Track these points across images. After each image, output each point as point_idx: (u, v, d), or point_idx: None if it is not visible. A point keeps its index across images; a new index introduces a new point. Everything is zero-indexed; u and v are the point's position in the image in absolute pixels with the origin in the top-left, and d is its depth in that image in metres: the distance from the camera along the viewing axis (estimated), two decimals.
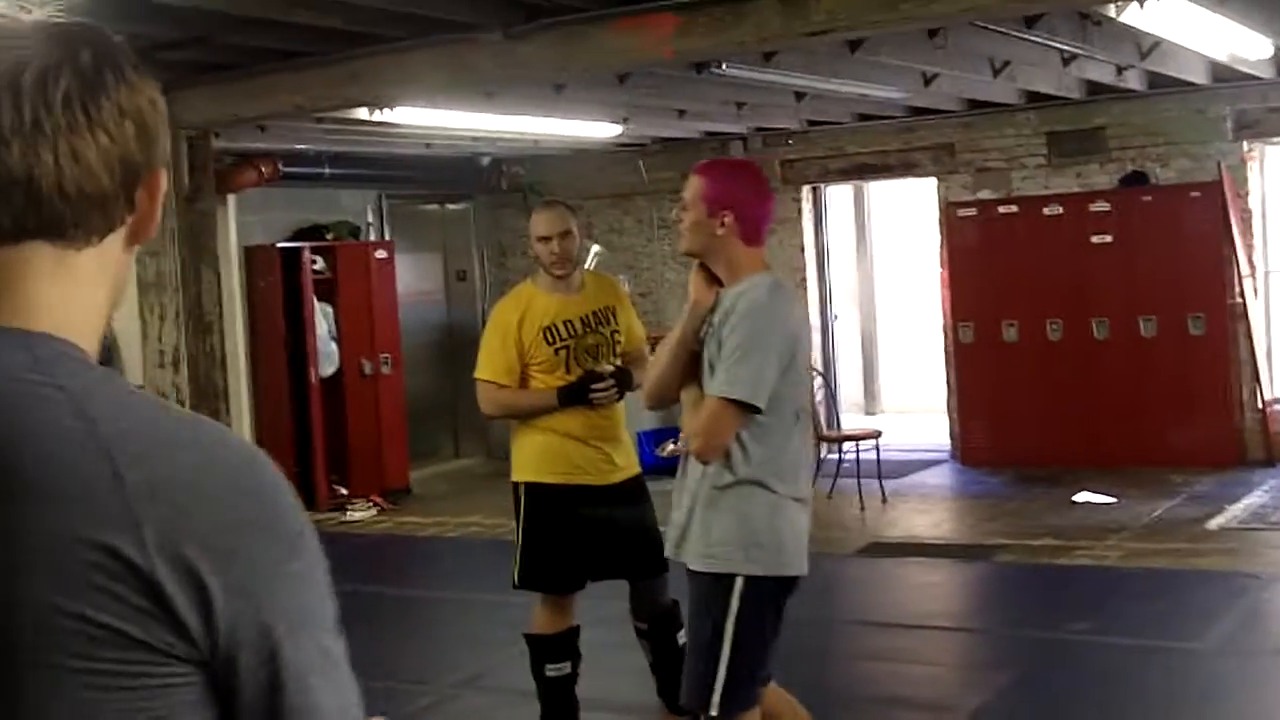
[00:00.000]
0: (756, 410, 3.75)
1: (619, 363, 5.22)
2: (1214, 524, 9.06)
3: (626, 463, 5.29)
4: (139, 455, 1.14)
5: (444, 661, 6.89)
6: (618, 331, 5.29)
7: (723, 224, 3.90)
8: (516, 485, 5.25)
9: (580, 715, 5.31)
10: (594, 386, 5.12)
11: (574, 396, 5.11)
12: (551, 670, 5.23)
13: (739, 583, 3.81)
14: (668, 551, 4.10)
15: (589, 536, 5.16)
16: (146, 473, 1.13)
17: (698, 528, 3.89)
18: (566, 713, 5.28)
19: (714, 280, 3.97)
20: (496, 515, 8.93)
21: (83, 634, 1.10)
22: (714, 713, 3.85)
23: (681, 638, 5.43)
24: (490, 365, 5.18)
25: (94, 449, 1.12)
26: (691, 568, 3.92)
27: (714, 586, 3.83)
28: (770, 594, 3.87)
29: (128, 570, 1.11)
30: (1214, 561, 8.10)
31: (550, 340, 5.13)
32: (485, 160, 13.62)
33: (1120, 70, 10.32)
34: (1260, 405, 11.05)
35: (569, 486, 5.13)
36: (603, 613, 5.59)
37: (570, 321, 5.17)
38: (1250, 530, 8.89)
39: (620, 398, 5.24)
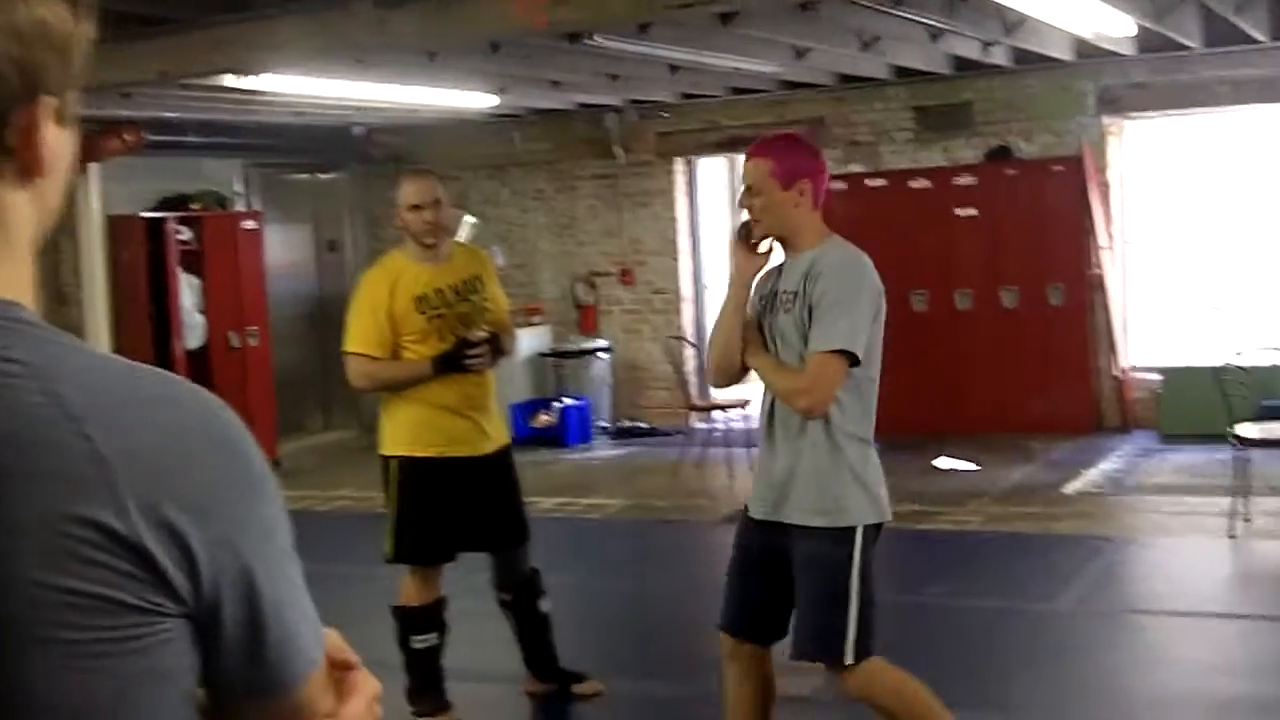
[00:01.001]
0: (855, 361, 3.88)
1: (489, 330, 5.24)
2: (1070, 489, 9.34)
3: (497, 433, 5.32)
4: (111, 424, 1.12)
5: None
6: (487, 300, 5.29)
7: (801, 194, 4.02)
8: (387, 459, 5.22)
9: (446, 685, 5.34)
10: (469, 352, 5.13)
11: (449, 363, 5.10)
12: (418, 642, 5.24)
13: (858, 533, 3.92)
14: (763, 513, 4.05)
15: (460, 508, 5.18)
16: (121, 441, 1.12)
17: (806, 486, 3.95)
18: (433, 684, 5.30)
19: (753, 249, 4.10)
20: (367, 489, 8.90)
21: (74, 607, 1.10)
22: (849, 661, 3.96)
23: (544, 606, 5.51)
24: (361, 337, 5.11)
25: (66, 424, 1.11)
26: (802, 524, 3.96)
27: (832, 540, 3.93)
28: (875, 539, 4.01)
29: (113, 540, 1.10)
30: (1070, 525, 8.35)
31: (422, 309, 5.11)
32: (358, 129, 13.49)
33: (986, 46, 10.51)
34: (1116, 374, 11.39)
35: (442, 459, 5.13)
36: (472, 582, 5.62)
37: (442, 290, 5.15)
38: (1105, 495, 9.17)
39: (494, 363, 5.26)
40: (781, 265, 4.15)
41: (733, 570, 4.22)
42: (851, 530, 3.92)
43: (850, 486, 3.94)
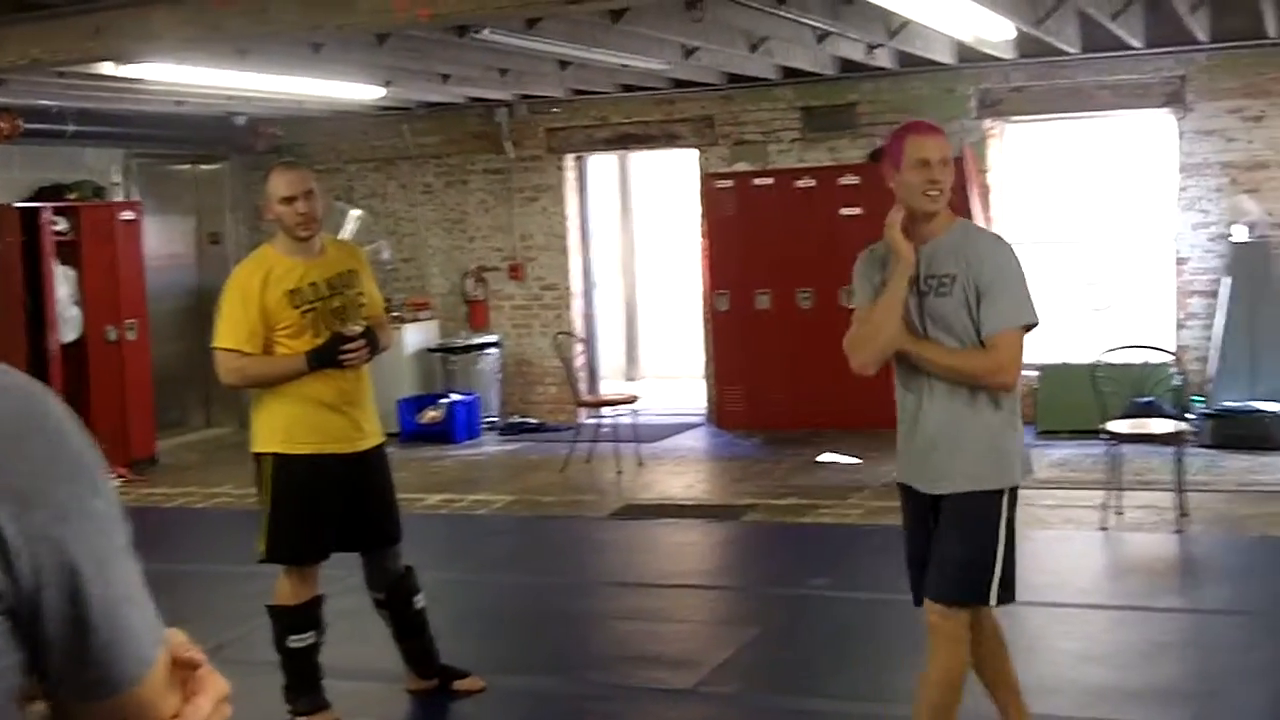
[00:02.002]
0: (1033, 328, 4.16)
1: (365, 325, 5.19)
2: None
3: (373, 429, 5.27)
4: None
5: (187, 634, 6.76)
6: (362, 294, 5.24)
7: (953, 176, 4.24)
8: (261, 456, 5.14)
9: (325, 684, 5.29)
10: (345, 347, 5.07)
11: (324, 358, 5.04)
12: (295, 641, 5.18)
13: (1008, 493, 4.16)
14: (930, 488, 4.21)
15: (335, 507, 5.13)
16: None
17: (976, 457, 4.14)
18: (310, 683, 5.25)
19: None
20: (247, 486, 8.73)
21: None
22: (993, 601, 4.21)
23: (418, 603, 5.48)
24: (231, 333, 5.02)
25: None
26: (969, 490, 4.14)
27: (988, 501, 4.14)
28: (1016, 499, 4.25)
29: None
30: None
31: (296, 303, 5.03)
32: (240, 120, 13.30)
33: (871, 49, 10.64)
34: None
35: (317, 456, 5.07)
36: (353, 581, 5.58)
37: (315, 284, 5.09)
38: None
39: (370, 358, 5.21)
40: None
41: (910, 546, 4.35)
42: (1002, 492, 4.16)
43: (1008, 452, 4.19)
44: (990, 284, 4.12)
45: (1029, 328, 4.17)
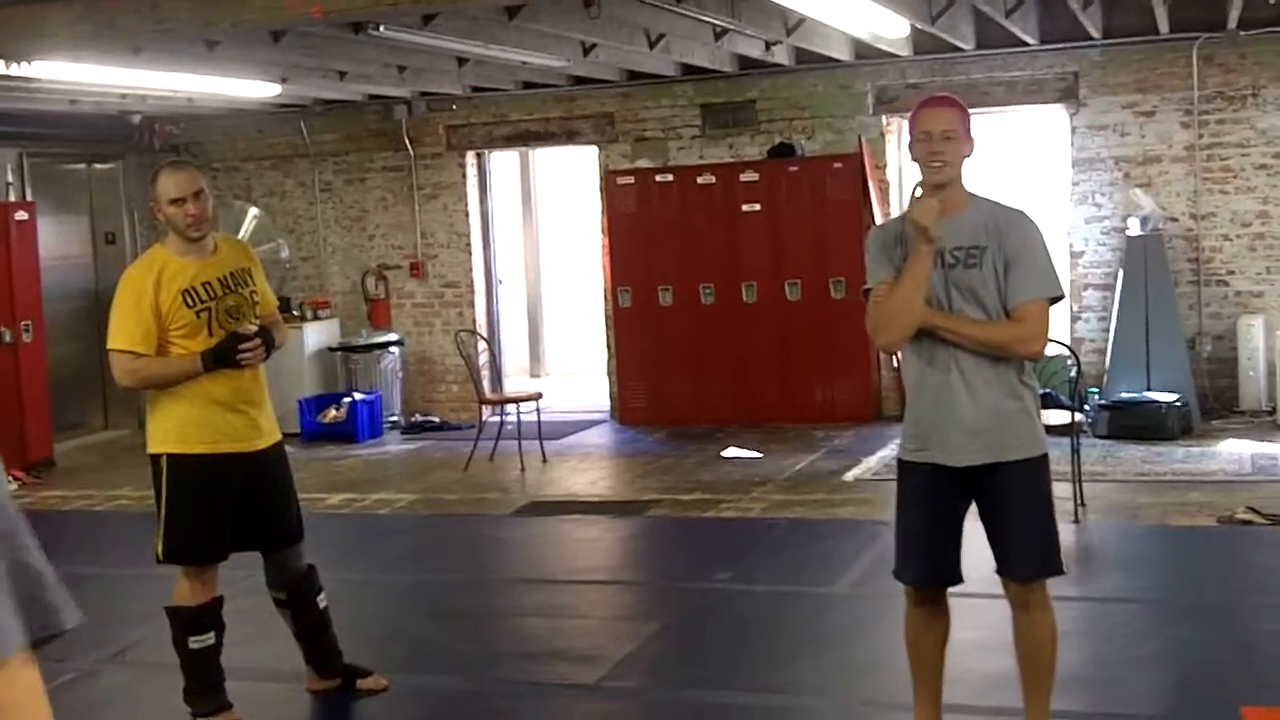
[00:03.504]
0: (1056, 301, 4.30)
1: (260, 323, 5.15)
2: (850, 475, 9.61)
3: (270, 428, 5.23)
4: None
5: (87, 637, 6.65)
6: (256, 292, 5.20)
7: (972, 147, 4.32)
8: (156, 457, 5.09)
9: (225, 685, 5.25)
10: (241, 347, 5.04)
11: (221, 358, 5.00)
12: (195, 642, 5.13)
13: (1047, 457, 4.32)
14: (973, 459, 4.24)
15: (232, 507, 5.09)
16: None
17: (1021, 425, 4.26)
18: (211, 684, 5.20)
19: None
20: (146, 487, 8.64)
21: None
22: (1065, 570, 4.42)
23: (321, 602, 5.45)
24: (125, 334, 4.96)
25: None
26: (1022, 458, 4.24)
27: (1042, 466, 4.30)
28: None
29: None
30: (849, 511, 8.59)
31: (190, 303, 4.99)
32: (136, 118, 13.12)
33: (769, 46, 10.73)
34: (895, 364, 11.72)
35: (214, 456, 5.03)
36: (254, 582, 5.54)
37: (209, 283, 5.04)
38: (883, 480, 9.39)
39: (266, 357, 5.17)
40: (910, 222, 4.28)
41: (932, 525, 4.36)
42: (1046, 456, 4.31)
43: (1037, 419, 4.34)
44: (1017, 255, 4.21)
45: (1055, 300, 4.29)
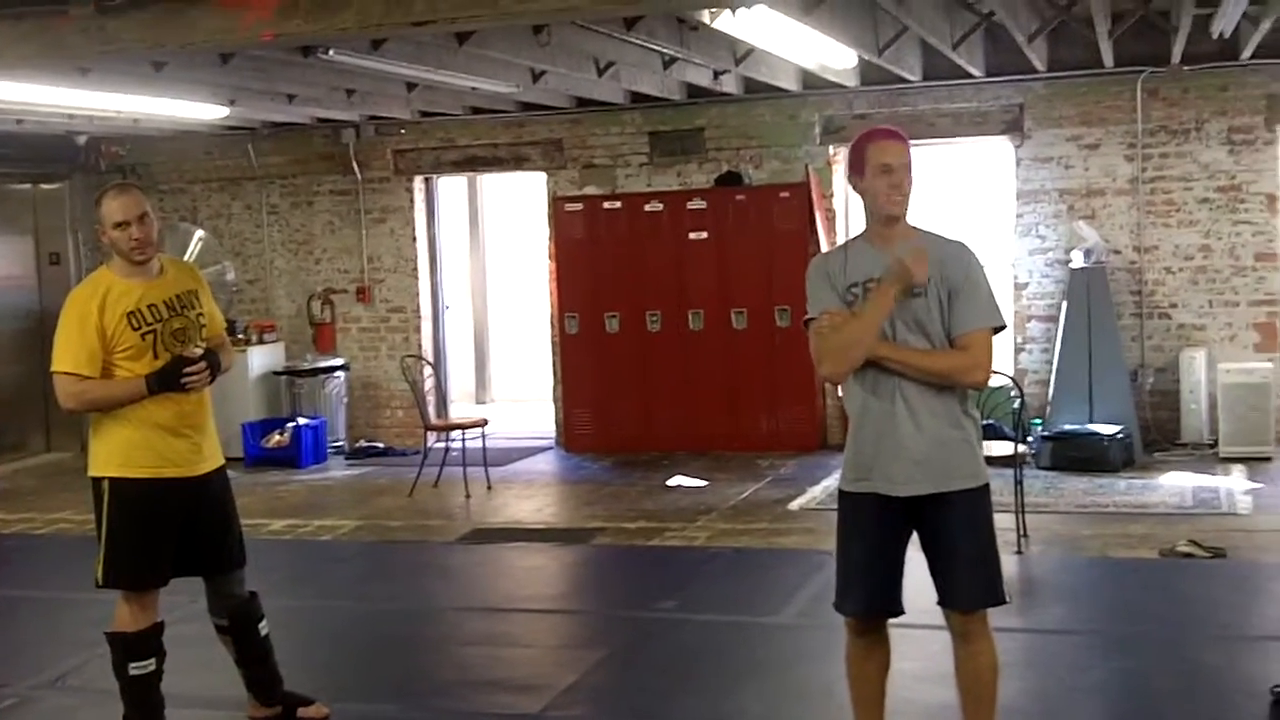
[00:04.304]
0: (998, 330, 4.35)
1: (205, 347, 5.12)
2: (795, 505, 9.64)
3: (213, 452, 5.19)
4: None
5: (26, 662, 6.59)
6: (202, 315, 5.17)
7: (914, 182, 4.33)
8: (98, 480, 5.05)
9: (166, 712, 5.19)
10: (186, 371, 5.00)
11: (165, 382, 4.97)
12: (135, 668, 5.08)
13: (988, 488, 4.37)
14: (917, 490, 4.25)
15: (174, 532, 5.05)
16: None
17: (963, 455, 4.30)
18: (150, 710, 5.14)
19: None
20: (88, 511, 8.58)
21: None
22: (1008, 599, 4.44)
23: (263, 629, 5.41)
24: (70, 356, 4.92)
25: None
26: (966, 488, 4.28)
27: (984, 496, 4.34)
28: None
29: None
30: (794, 540, 8.60)
31: (136, 325, 4.95)
32: (82, 139, 13.03)
33: (717, 75, 10.79)
34: (840, 393, 11.77)
35: (156, 480, 4.99)
36: (195, 608, 5.50)
37: (155, 305, 5.01)
38: (827, 510, 9.42)
39: (212, 381, 5.14)
40: (857, 254, 4.34)
41: (873, 555, 4.37)
42: (988, 486, 4.36)
43: (979, 449, 4.39)
44: (960, 286, 4.26)
45: (997, 330, 4.33)
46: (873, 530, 4.36)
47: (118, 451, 5.00)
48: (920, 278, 4.20)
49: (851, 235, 4.52)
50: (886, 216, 4.31)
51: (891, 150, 4.27)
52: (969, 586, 4.33)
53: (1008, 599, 4.42)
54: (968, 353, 4.26)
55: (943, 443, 4.26)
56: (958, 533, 4.30)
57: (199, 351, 5.04)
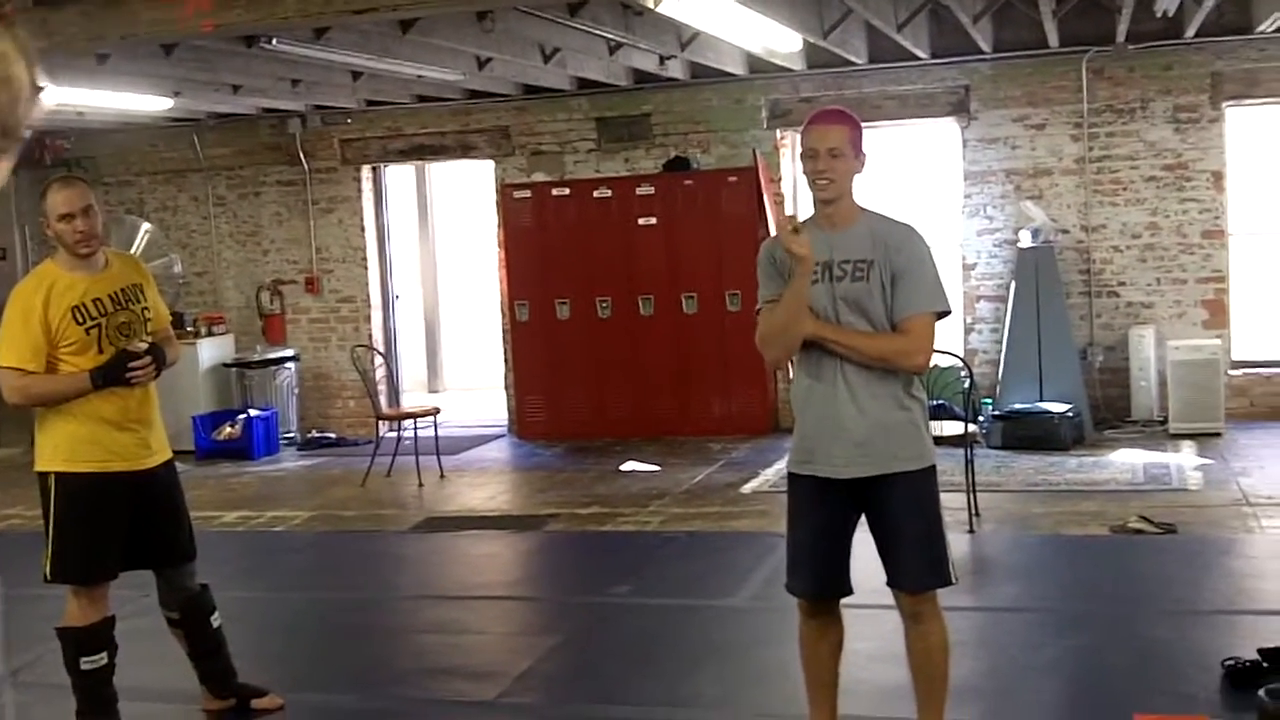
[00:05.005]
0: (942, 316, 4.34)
1: (150, 340, 5.09)
2: (748, 488, 9.68)
3: (160, 446, 5.17)
4: None
5: None
6: (148, 309, 5.14)
7: (862, 163, 4.29)
8: (44, 475, 5.03)
9: (119, 706, 5.17)
10: (131, 365, 4.97)
11: (110, 376, 4.94)
12: (86, 663, 5.07)
13: (935, 470, 4.36)
14: (858, 471, 4.25)
15: (122, 525, 5.03)
16: None
17: (902, 436, 4.28)
18: (103, 705, 5.13)
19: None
20: (38, 506, 8.54)
21: None
22: (955, 579, 4.40)
23: (214, 621, 5.39)
24: (13, 350, 4.90)
25: None
26: (909, 470, 4.27)
27: (929, 478, 4.33)
28: None
29: None
30: (747, 523, 8.63)
31: (80, 319, 4.92)
32: (26, 132, 12.85)
33: (663, 60, 10.79)
34: (790, 377, 11.81)
35: (103, 474, 4.97)
36: (147, 601, 5.47)
37: (100, 299, 4.98)
38: (779, 493, 9.36)
39: (157, 375, 5.11)
40: (804, 237, 4.23)
41: (818, 536, 4.38)
42: (934, 468, 4.35)
43: (925, 430, 4.38)
44: (905, 269, 4.23)
45: (941, 315, 4.32)
46: (817, 512, 4.38)
47: (64, 446, 4.98)
48: (799, 252, 4.14)
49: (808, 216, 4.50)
50: (818, 199, 4.32)
51: (815, 134, 4.25)
52: (915, 568, 4.35)
53: (954, 580, 4.40)
54: (907, 336, 4.25)
55: (885, 425, 4.26)
56: (902, 514, 4.32)
57: (144, 346, 5.02)
